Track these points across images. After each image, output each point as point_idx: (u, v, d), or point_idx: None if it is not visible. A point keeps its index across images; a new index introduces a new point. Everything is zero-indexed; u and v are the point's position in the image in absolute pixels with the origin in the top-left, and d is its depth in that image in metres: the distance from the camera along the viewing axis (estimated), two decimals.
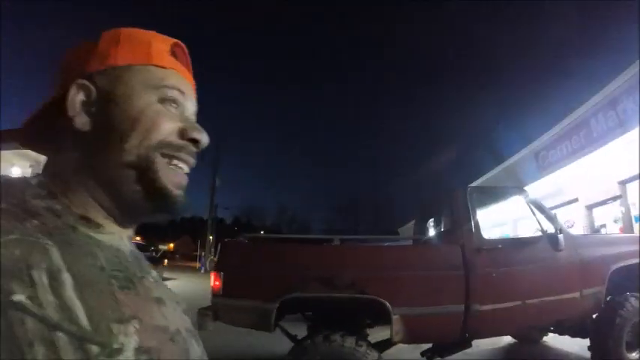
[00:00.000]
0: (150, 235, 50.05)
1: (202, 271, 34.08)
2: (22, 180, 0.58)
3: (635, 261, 4.89)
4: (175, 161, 0.61)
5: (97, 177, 0.58)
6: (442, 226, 5.10)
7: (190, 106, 0.67)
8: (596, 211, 11.78)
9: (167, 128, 0.60)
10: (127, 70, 0.61)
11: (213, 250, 34.96)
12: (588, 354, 4.74)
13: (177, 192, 0.61)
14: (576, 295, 4.44)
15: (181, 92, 0.65)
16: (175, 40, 0.69)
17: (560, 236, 4.42)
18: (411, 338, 4.01)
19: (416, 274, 3.99)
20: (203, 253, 39.39)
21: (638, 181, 9.79)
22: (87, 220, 0.57)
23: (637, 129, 7.91)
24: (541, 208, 4.77)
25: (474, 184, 19.02)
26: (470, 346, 4.40)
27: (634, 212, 10.23)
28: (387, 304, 3.77)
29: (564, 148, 10.88)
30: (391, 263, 4.09)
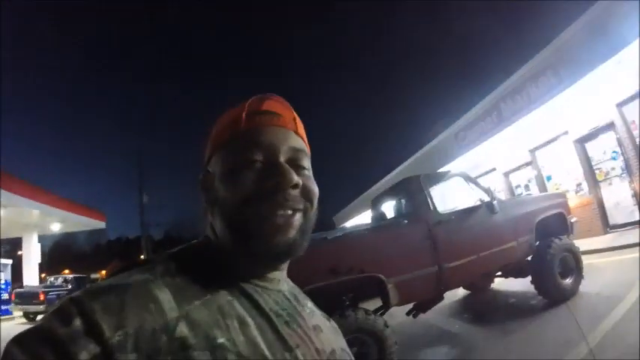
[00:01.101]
0: (78, 265, 46.14)
1: None
2: (194, 247, 0.72)
3: (554, 212, 6.43)
4: (264, 202, 0.68)
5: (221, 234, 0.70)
6: (403, 208, 6.18)
7: None
8: (512, 176, 13.73)
9: (246, 184, 0.68)
10: (226, 147, 0.72)
11: None
12: (530, 289, 6.09)
13: None
14: (514, 244, 5.78)
15: None
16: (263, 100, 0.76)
17: (495, 202, 5.76)
18: (403, 300, 5.04)
19: (398, 249, 5.06)
20: None
21: (544, 148, 11.92)
22: (250, 272, 0.69)
23: (542, 107, 9.81)
24: (477, 184, 6.12)
25: (398, 169, 20.64)
26: (442, 299, 5.57)
27: (545, 173, 12.16)
28: (383, 277, 4.74)
29: (479, 128, 12.62)
30: (378, 245, 5.07)
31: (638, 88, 8.46)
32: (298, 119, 0.77)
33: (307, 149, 0.77)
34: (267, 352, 0.58)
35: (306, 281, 4.40)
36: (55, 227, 22.00)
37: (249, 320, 0.60)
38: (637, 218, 9.39)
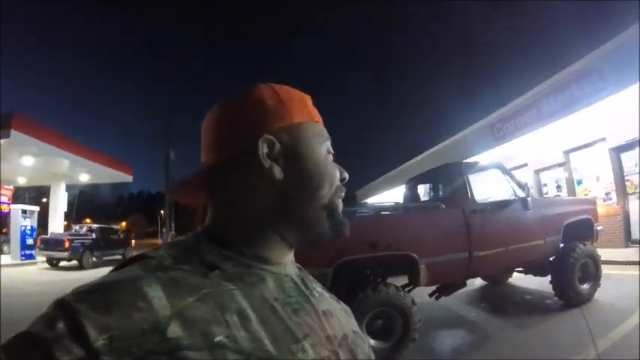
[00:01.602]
0: (99, 216, 46.57)
1: None
2: (193, 237, 0.68)
3: (582, 217, 6.62)
4: (339, 198, 0.72)
5: (292, 218, 0.69)
6: (440, 193, 6.46)
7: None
8: (542, 174, 13.81)
9: (336, 176, 0.72)
10: (301, 128, 0.71)
11: (173, 224, 34.03)
12: (546, 289, 6.39)
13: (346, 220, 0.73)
14: (541, 242, 6.00)
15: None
16: (309, 96, 0.78)
17: (529, 199, 5.96)
18: (433, 281, 5.34)
19: (433, 232, 5.31)
20: (163, 229, 37.85)
21: (579, 151, 11.98)
22: (258, 258, 0.66)
23: (582, 111, 9.87)
24: (513, 178, 6.31)
25: (426, 152, 20.71)
26: (465, 285, 5.87)
27: (576, 177, 12.26)
28: (416, 257, 5.00)
29: (517, 122, 12.65)
30: (415, 226, 5.31)
31: None
32: None
33: None
34: (270, 347, 0.56)
35: (347, 252, 4.81)
36: (84, 178, 22.36)
37: (251, 313, 0.57)
38: None
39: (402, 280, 5.36)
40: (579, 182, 12.26)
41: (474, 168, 6.11)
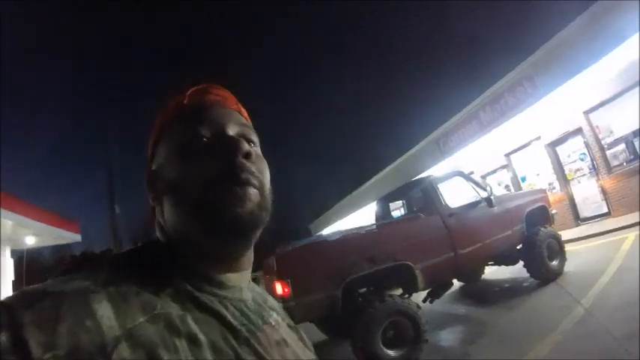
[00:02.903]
0: (40, 280, 43.68)
1: None
2: (148, 248, 0.67)
3: (538, 205, 7.62)
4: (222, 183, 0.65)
5: (180, 234, 0.66)
6: (416, 205, 7.24)
7: None
8: (489, 179, 15.04)
9: (199, 165, 0.66)
10: (161, 137, 0.71)
11: None
12: (518, 275, 7.34)
13: None
14: (509, 232, 6.89)
15: None
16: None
17: (492, 197, 6.86)
18: (428, 284, 5.95)
19: (421, 239, 5.96)
20: None
21: (518, 152, 13.42)
22: (211, 280, 0.64)
23: (517, 116, 11.28)
24: (474, 182, 7.25)
25: (377, 176, 21.67)
26: (452, 285, 6.63)
27: (520, 175, 13.59)
28: (411, 264, 5.59)
29: (460, 134, 13.95)
30: (404, 236, 5.90)
31: (603, 98, 9.98)
32: (241, 105, 0.78)
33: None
34: None
35: (351, 272, 5.27)
36: (30, 241, 19.51)
37: (202, 338, 0.55)
38: (604, 211, 10.87)
39: (396, 292, 5.84)
40: (523, 179, 13.54)
41: (440, 179, 6.98)
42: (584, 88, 9.87)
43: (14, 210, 16.01)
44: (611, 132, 10.50)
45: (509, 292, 7.37)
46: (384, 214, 8.07)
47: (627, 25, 8.07)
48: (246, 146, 0.65)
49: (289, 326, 0.78)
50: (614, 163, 10.46)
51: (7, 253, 19.06)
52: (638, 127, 9.63)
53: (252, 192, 0.65)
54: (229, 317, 0.62)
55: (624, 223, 8.89)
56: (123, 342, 0.48)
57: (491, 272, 8.44)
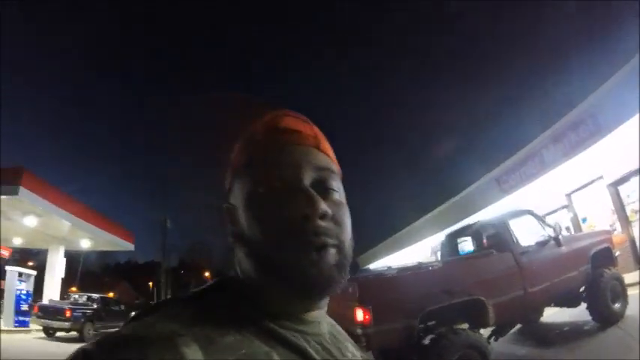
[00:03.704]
0: (85, 284, 43.28)
1: None
2: (222, 286, 0.67)
3: (603, 246, 7.77)
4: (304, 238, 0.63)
5: (256, 279, 0.65)
6: (487, 241, 7.47)
7: None
8: (548, 219, 15.12)
9: (287, 212, 0.63)
10: (242, 173, 0.70)
11: (168, 296, 32.83)
12: (578, 319, 7.41)
13: None
14: (576, 272, 7.02)
15: None
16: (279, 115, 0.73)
17: (560, 237, 7.11)
18: (499, 320, 5.98)
19: (494, 275, 6.21)
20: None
21: (580, 191, 13.60)
22: (290, 317, 0.64)
23: (580, 155, 11.44)
24: (544, 221, 7.60)
25: (434, 211, 21.72)
26: (517, 323, 6.85)
27: (580, 216, 13.69)
28: (484, 299, 5.68)
29: (522, 172, 14.14)
30: (478, 271, 6.18)
31: None
32: (321, 134, 0.73)
33: (336, 167, 0.72)
34: None
35: (429, 302, 5.44)
36: (85, 244, 20.65)
37: None
38: None
39: (462, 326, 5.90)
40: (584, 220, 13.61)
41: (513, 216, 7.32)
42: None
43: (72, 211, 16.73)
44: None
45: (569, 334, 7.44)
46: (451, 250, 8.31)
47: None
48: (322, 207, 0.61)
49: (364, 358, 0.77)
50: None
51: (61, 252, 20.04)
52: None
53: (330, 254, 0.62)
54: (312, 353, 0.61)
55: None
56: None
57: (550, 315, 8.47)
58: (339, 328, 0.78)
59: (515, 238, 6.81)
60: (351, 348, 0.74)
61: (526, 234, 7.17)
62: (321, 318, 0.70)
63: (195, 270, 58.54)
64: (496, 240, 7.09)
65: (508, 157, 15.20)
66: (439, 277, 6.04)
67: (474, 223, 8.19)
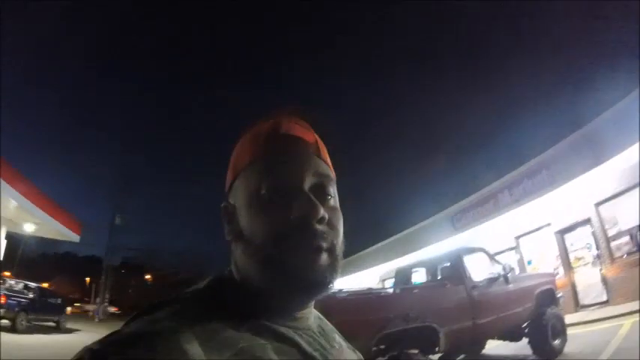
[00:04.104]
0: (20, 271, 39.89)
1: (97, 319, 30.96)
2: (219, 284, 0.69)
3: (547, 287, 8.38)
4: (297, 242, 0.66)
5: (248, 277, 0.68)
6: (441, 273, 7.94)
7: None
8: (497, 257, 15.95)
9: (279, 218, 0.66)
10: (242, 176, 0.72)
11: (107, 295, 31.93)
12: (518, 352, 8.00)
13: None
14: (521, 309, 7.50)
15: None
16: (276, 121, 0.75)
17: (509, 275, 7.62)
18: (449, 348, 6.34)
19: (447, 305, 6.59)
20: (97, 299, 34.81)
21: (528, 235, 14.47)
22: (281, 313, 0.67)
23: (529, 203, 12.47)
24: (495, 259, 8.12)
25: (384, 242, 22.22)
26: (464, 352, 7.23)
27: (526, 258, 14.53)
28: (437, 327, 6.02)
29: (475, 213, 15.02)
30: (433, 300, 6.58)
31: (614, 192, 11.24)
32: (320, 141, 0.76)
33: (332, 174, 0.76)
34: None
35: (386, 326, 5.69)
36: (29, 228, 17.37)
37: None
38: (603, 299, 11.77)
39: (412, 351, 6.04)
40: (529, 262, 14.43)
41: (466, 252, 7.82)
42: (597, 181, 11.09)
43: (20, 190, 13.77)
44: (616, 224, 11.54)
45: None
46: (405, 279, 8.69)
47: None
48: (321, 212, 0.65)
49: (349, 348, 0.81)
50: (617, 254, 11.44)
51: (2, 233, 16.24)
52: None
53: (323, 257, 0.66)
54: (305, 345, 0.65)
55: (622, 311, 9.76)
56: None
57: (493, 347, 8.85)
58: (326, 322, 0.81)
59: (469, 273, 7.24)
60: (337, 339, 0.78)
61: (477, 270, 7.68)
62: (309, 314, 0.74)
63: (137, 271, 55.85)
64: (450, 273, 7.50)
65: (465, 197, 16.05)
66: (397, 302, 6.35)
67: (434, 257, 8.67)
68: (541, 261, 13.89)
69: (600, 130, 10.72)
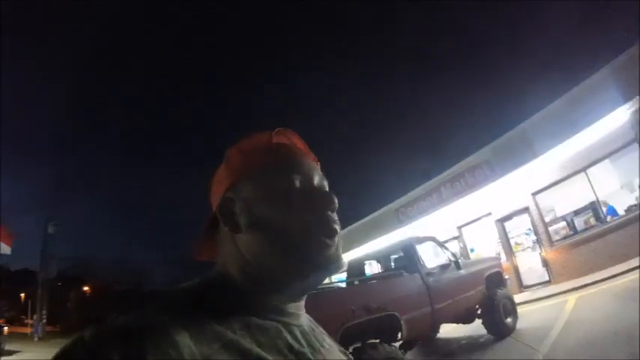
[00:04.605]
0: None
1: (36, 338, 28.85)
2: (209, 282, 0.72)
3: (495, 270, 8.82)
4: (321, 230, 0.72)
5: (263, 270, 0.71)
6: (395, 263, 8.25)
7: None
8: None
9: (305, 213, 0.72)
10: (256, 175, 0.75)
11: (44, 311, 29.68)
12: (472, 333, 8.34)
13: None
14: (473, 292, 7.83)
15: None
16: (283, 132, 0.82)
17: (460, 261, 7.99)
18: (411, 334, 6.37)
19: (405, 294, 6.68)
20: (34, 316, 32.04)
21: (469, 226, 15.15)
22: (273, 308, 0.70)
23: (473, 194, 13.10)
24: (445, 247, 8.41)
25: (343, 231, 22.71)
26: (425, 337, 7.49)
27: (469, 246, 15.19)
28: (398, 315, 6.04)
29: (419, 206, 15.59)
30: (392, 290, 6.61)
31: (549, 182, 12.28)
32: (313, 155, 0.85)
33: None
34: None
35: (349, 318, 5.67)
36: None
37: None
38: (545, 279, 12.60)
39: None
40: (472, 250, 15.08)
41: (418, 241, 8.02)
42: (533, 173, 12.09)
43: None
44: (552, 210, 12.55)
45: (469, 347, 8.15)
46: (358, 272, 8.83)
47: (578, 123, 10.46)
48: (336, 202, 0.73)
49: (340, 351, 0.83)
50: (555, 237, 12.34)
51: None
52: (577, 208, 11.90)
53: (337, 239, 0.72)
54: (291, 340, 0.67)
55: (564, 289, 10.47)
56: None
57: (447, 331, 9.19)
58: (316, 324, 0.84)
59: (422, 261, 7.45)
60: (328, 340, 0.80)
61: (429, 258, 7.91)
62: (300, 310, 0.77)
63: (75, 284, 52.20)
64: (405, 262, 7.71)
65: (409, 191, 16.54)
66: (358, 294, 6.39)
67: (389, 247, 8.86)
68: (483, 248, 14.53)
69: (535, 127, 11.80)
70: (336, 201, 0.73)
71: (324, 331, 0.84)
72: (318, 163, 0.83)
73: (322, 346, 0.73)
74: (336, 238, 0.72)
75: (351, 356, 0.85)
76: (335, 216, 0.73)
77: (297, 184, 0.73)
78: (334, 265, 0.71)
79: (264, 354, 0.60)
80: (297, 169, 0.75)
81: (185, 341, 0.53)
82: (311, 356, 0.67)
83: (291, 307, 0.73)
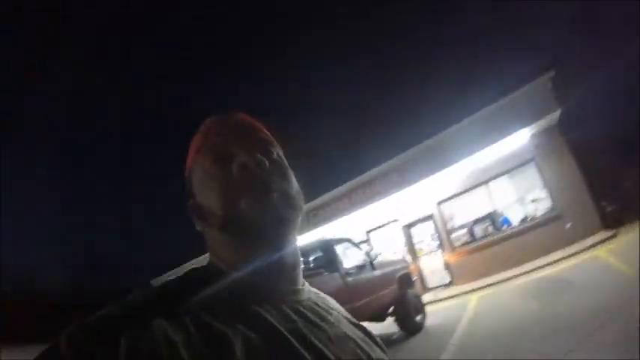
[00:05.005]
0: None
1: None
2: (198, 271, 0.71)
3: (405, 271, 9.27)
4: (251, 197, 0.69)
5: (232, 249, 0.72)
6: (314, 263, 8.10)
7: None
8: (349, 251, 17.01)
9: (232, 189, 0.70)
10: (193, 166, 0.76)
11: None
12: (383, 331, 8.72)
13: None
14: (387, 291, 8.15)
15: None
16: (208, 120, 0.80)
17: (375, 262, 8.36)
18: None
19: (328, 292, 6.85)
20: None
21: (377, 230, 15.83)
22: (262, 288, 0.69)
23: (380, 201, 13.98)
24: (360, 248, 8.76)
25: None
26: None
27: (376, 250, 15.65)
28: None
29: (330, 209, 15.96)
30: (316, 288, 6.94)
31: (453, 192, 13.50)
32: (254, 120, 0.82)
33: (270, 138, 0.80)
34: None
35: None
36: None
37: (256, 343, 0.59)
38: (447, 281, 13.62)
39: None
40: (379, 253, 15.49)
41: (336, 242, 8.25)
42: (439, 184, 13.23)
43: None
44: (452, 218, 13.71)
45: (385, 342, 8.54)
46: None
47: (485, 139, 11.65)
48: (257, 156, 0.71)
49: (354, 324, 0.82)
50: (457, 243, 13.46)
51: None
52: (476, 217, 13.20)
53: (275, 197, 0.69)
54: (289, 316, 0.67)
55: (465, 290, 11.51)
56: (180, 349, 0.53)
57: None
58: (329, 299, 0.86)
59: (340, 261, 7.68)
60: (335, 314, 0.78)
61: (349, 257, 8.16)
62: (296, 286, 0.75)
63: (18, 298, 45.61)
64: (324, 261, 7.82)
65: (321, 195, 16.78)
66: None
67: (308, 245, 8.97)
68: (389, 252, 15.04)
69: (443, 141, 12.80)
70: (257, 156, 0.72)
71: (335, 307, 0.83)
72: (259, 129, 0.81)
73: (324, 320, 0.72)
74: (273, 197, 0.69)
75: (369, 330, 0.84)
76: (267, 175, 0.71)
77: (221, 152, 0.73)
78: (278, 226, 0.69)
79: (249, 334, 0.59)
80: (220, 139, 0.75)
81: (161, 325, 0.54)
82: (307, 331, 0.66)
83: (283, 283, 0.73)
